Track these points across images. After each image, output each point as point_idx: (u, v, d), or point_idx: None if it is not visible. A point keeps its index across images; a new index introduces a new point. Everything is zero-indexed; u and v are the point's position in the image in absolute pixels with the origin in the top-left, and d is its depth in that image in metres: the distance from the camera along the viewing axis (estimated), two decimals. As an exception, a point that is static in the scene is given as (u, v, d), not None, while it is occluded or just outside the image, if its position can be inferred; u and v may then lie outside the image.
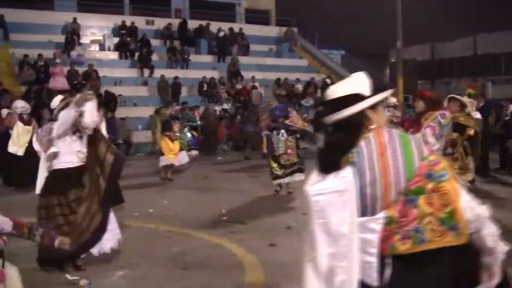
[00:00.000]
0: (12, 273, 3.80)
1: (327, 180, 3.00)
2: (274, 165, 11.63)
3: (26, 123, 13.03)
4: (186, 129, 16.69)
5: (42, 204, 6.38)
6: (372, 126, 2.99)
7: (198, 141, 17.82)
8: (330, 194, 2.98)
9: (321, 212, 2.99)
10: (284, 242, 7.69)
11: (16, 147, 12.66)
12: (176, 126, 14.66)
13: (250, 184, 12.33)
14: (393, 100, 14.58)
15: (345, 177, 2.96)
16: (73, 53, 26.45)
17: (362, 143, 2.93)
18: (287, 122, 11.80)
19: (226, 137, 23.25)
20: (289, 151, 11.63)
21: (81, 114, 8.33)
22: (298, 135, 12.02)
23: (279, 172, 11.64)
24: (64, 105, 6.62)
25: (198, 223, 9.09)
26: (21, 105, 13.54)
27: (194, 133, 16.70)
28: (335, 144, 3.07)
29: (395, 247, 2.97)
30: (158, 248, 7.53)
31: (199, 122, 17.72)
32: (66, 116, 6.55)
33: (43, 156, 6.68)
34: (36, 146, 6.80)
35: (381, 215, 2.94)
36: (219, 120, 23.37)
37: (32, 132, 12.67)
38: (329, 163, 3.01)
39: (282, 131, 11.65)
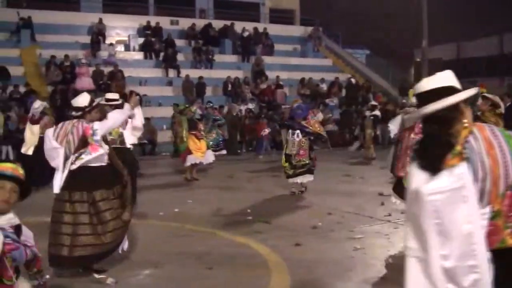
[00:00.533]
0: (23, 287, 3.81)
1: (442, 178, 2.99)
2: (286, 164, 11.68)
3: (35, 122, 13.13)
4: (215, 129, 16.70)
5: (61, 207, 6.20)
6: (465, 121, 3.02)
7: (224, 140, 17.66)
8: (448, 193, 2.97)
9: (437, 212, 2.97)
10: (309, 242, 7.67)
11: (25, 147, 12.85)
12: (201, 125, 14.66)
13: (275, 184, 12.31)
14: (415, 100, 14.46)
15: (461, 174, 2.97)
16: (104, 53, 26.70)
17: (471, 138, 2.96)
18: (303, 123, 11.75)
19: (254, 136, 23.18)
20: (301, 152, 11.64)
21: (131, 117, 8.53)
22: (311, 137, 11.95)
23: (290, 172, 11.69)
24: (95, 106, 6.59)
25: (223, 222, 9.10)
26: (36, 106, 13.63)
27: (221, 132, 16.61)
28: (436, 139, 3.06)
29: (505, 240, 3.08)
30: (183, 247, 7.54)
31: (223, 120, 17.57)
32: (119, 117, 6.68)
33: (62, 154, 6.31)
34: (54, 143, 6.36)
35: (486, 209, 3.00)
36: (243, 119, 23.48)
37: (44, 129, 12.84)
38: (435, 159, 3.02)
39: (298, 131, 11.64)
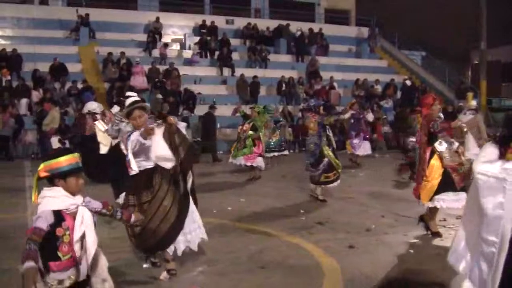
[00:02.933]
0: (102, 256, 4.44)
1: (493, 165, 3.72)
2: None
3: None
4: (278, 130, 16.71)
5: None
6: None
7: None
8: (491, 178, 3.72)
9: (478, 190, 3.74)
10: (363, 244, 7.59)
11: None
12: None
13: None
14: (474, 103, 14.19)
15: (509, 169, 3.66)
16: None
17: None
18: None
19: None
20: None
21: None
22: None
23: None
24: None
25: (275, 222, 9.08)
26: (92, 107, 13.79)
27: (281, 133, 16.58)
28: None
29: None
30: (236, 245, 7.56)
31: (281, 120, 17.43)
32: None
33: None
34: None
35: None
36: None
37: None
38: (503, 140, 3.85)
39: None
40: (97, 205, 4.35)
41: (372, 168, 16.91)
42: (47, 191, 4.03)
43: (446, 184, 7.70)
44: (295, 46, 30.61)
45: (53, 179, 4.07)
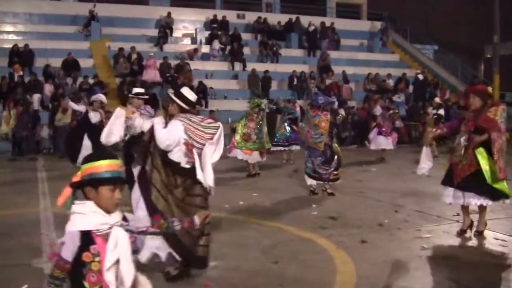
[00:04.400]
0: (144, 280, 3.59)
1: None
2: None
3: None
4: (286, 123, 16.60)
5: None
6: None
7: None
8: None
9: None
10: (375, 240, 7.57)
11: None
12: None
13: (341, 180, 12.16)
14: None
15: None
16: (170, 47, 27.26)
17: None
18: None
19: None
20: None
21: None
22: None
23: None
24: None
25: (287, 216, 9.07)
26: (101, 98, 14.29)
27: (294, 127, 16.35)
28: None
29: None
30: (249, 240, 7.55)
31: (298, 113, 17.21)
32: None
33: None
34: None
35: None
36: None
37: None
38: None
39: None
40: (142, 224, 3.57)
41: (383, 163, 16.85)
42: (77, 206, 3.21)
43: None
44: (307, 41, 30.54)
45: (84, 188, 3.24)
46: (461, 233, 7.81)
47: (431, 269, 6.40)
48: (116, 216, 3.28)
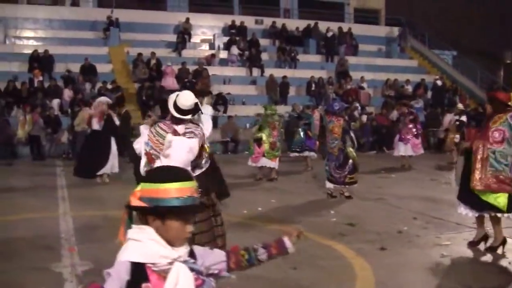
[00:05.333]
0: None
1: None
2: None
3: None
4: (300, 128, 16.54)
5: None
6: None
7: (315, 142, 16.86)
8: None
9: None
10: (394, 246, 7.52)
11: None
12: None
13: (360, 186, 12.13)
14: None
15: None
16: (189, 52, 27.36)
17: None
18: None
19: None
20: None
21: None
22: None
23: None
24: None
25: (306, 222, 9.03)
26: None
27: (309, 133, 16.30)
28: None
29: None
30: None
31: (316, 119, 17.06)
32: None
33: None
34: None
35: None
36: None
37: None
38: None
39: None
40: (216, 260, 2.69)
41: (402, 169, 16.76)
42: (134, 231, 2.43)
43: None
44: (325, 46, 30.51)
45: (145, 212, 2.44)
46: (471, 244, 7.52)
47: (450, 277, 6.35)
48: (181, 250, 2.46)
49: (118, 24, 27.44)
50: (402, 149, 17.12)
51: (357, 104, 24.80)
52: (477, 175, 7.05)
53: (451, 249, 7.45)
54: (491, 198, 7.03)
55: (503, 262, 6.87)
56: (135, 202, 2.45)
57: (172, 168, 2.61)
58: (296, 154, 16.56)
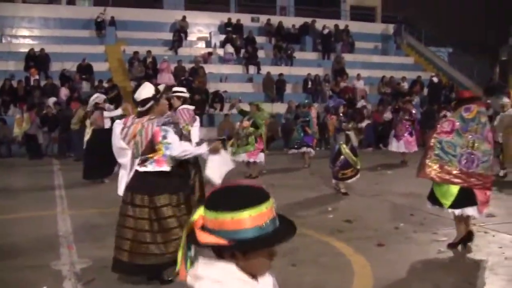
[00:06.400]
0: None
1: None
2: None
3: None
4: (298, 126, 16.54)
5: (124, 209, 5.77)
6: None
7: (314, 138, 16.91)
8: None
9: None
10: (392, 243, 7.57)
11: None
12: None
13: (356, 183, 12.15)
14: (506, 100, 14.02)
15: None
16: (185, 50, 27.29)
17: None
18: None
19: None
20: None
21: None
22: None
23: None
24: (163, 92, 6.06)
25: (305, 220, 9.04)
26: (92, 98, 14.01)
27: (307, 130, 16.30)
28: None
29: None
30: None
31: (313, 118, 17.04)
32: (188, 150, 5.88)
33: (129, 155, 5.80)
34: (122, 143, 5.81)
35: None
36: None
37: (95, 123, 13.23)
38: None
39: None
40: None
41: (400, 166, 16.78)
42: (212, 270, 1.97)
43: None
44: (321, 44, 30.55)
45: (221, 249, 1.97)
46: (450, 246, 7.34)
47: (448, 272, 6.39)
48: (266, 282, 2.07)
49: (114, 23, 27.42)
50: (395, 146, 17.15)
51: (365, 103, 24.78)
52: (420, 164, 7.26)
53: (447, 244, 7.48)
54: (439, 193, 7.15)
55: (500, 258, 6.90)
56: (204, 237, 1.95)
57: (242, 189, 2.03)
58: (295, 151, 16.53)
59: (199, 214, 2.02)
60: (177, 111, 8.64)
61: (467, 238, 7.27)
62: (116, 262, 5.71)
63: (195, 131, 8.86)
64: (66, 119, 18.97)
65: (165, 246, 5.60)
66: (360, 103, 24.34)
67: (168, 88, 6.73)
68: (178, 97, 8.83)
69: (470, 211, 7.05)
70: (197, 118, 9.11)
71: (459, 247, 7.28)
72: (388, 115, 19.83)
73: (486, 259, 6.87)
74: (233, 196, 1.98)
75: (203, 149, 5.81)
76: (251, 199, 1.95)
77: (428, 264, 6.65)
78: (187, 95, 9.06)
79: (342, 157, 11.31)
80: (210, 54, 27.79)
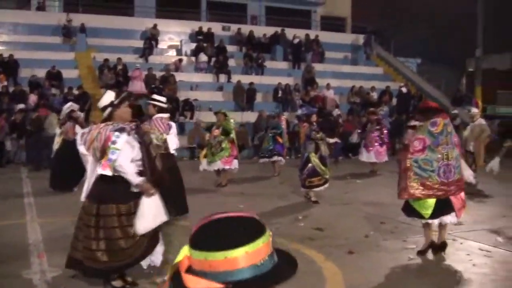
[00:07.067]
0: None
1: None
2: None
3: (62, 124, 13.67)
4: (270, 135, 16.59)
5: (80, 213, 5.88)
6: None
7: (284, 147, 17.02)
8: None
9: None
10: (362, 250, 7.65)
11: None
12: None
13: (327, 191, 12.23)
14: (475, 110, 14.26)
15: None
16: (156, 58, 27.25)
17: None
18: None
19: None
20: None
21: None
22: None
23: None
24: (123, 98, 6.03)
25: (275, 228, 9.07)
26: (65, 107, 13.93)
27: (279, 139, 16.37)
28: None
29: None
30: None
31: (283, 128, 17.12)
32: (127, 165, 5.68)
33: (90, 161, 5.85)
34: (82, 149, 5.86)
35: None
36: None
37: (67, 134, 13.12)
38: None
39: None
40: None
41: (369, 175, 16.93)
42: None
43: None
44: (292, 53, 30.72)
45: None
46: (419, 253, 7.51)
47: (419, 279, 6.49)
48: None
49: (85, 29, 27.25)
50: (365, 156, 17.32)
51: (339, 112, 24.91)
52: (401, 185, 7.30)
53: (417, 251, 7.59)
54: (416, 205, 7.28)
55: (468, 264, 7.02)
56: (193, 282, 1.69)
57: (235, 222, 1.76)
58: (266, 159, 16.59)
59: (184, 254, 1.76)
60: (152, 120, 8.71)
61: (440, 247, 7.44)
62: (71, 259, 5.81)
63: (172, 138, 8.93)
64: (34, 126, 18.78)
65: (108, 254, 5.59)
66: (335, 112, 24.44)
67: (130, 95, 6.70)
68: (154, 105, 8.90)
69: (449, 218, 7.26)
70: (173, 125, 9.19)
71: (429, 255, 7.42)
72: (354, 137, 19.93)
73: (455, 266, 6.99)
74: (224, 231, 1.71)
75: (138, 180, 5.64)
76: (246, 234, 1.70)
77: (399, 271, 6.75)
78: (163, 105, 9.12)
79: (310, 165, 11.40)
80: (181, 60, 27.79)
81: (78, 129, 13.03)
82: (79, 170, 6.01)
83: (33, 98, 22.09)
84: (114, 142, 5.56)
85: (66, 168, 12.17)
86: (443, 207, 7.17)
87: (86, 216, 5.70)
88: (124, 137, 5.62)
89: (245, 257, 1.67)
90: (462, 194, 7.35)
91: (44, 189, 13.03)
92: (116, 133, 5.60)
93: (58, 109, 19.64)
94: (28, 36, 26.79)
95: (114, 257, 5.59)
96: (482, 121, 13.97)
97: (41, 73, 23.66)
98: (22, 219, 9.87)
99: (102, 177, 5.73)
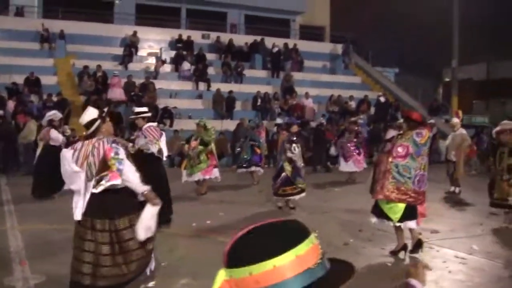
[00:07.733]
0: None
1: None
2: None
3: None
4: (249, 145, 16.66)
5: (82, 233, 5.72)
6: None
7: (262, 158, 17.09)
8: None
9: None
10: (342, 258, 7.71)
11: None
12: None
13: (304, 199, 12.35)
14: (456, 120, 14.52)
15: None
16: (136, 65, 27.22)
17: None
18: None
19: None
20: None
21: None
22: None
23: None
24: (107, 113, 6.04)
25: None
26: (48, 114, 13.94)
27: (257, 150, 16.45)
28: None
29: None
30: (217, 259, 7.60)
31: (262, 140, 17.20)
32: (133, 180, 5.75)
33: (83, 178, 5.66)
34: (74, 167, 5.68)
35: None
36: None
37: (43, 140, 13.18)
38: None
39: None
40: None
41: (348, 183, 17.08)
42: None
43: None
44: (271, 62, 30.87)
45: None
46: (392, 253, 8.05)
47: (397, 286, 6.62)
48: None
49: (64, 36, 27.18)
50: (344, 165, 17.51)
51: (323, 121, 24.92)
52: (378, 186, 7.73)
53: (395, 258, 7.74)
54: (386, 208, 7.71)
55: (444, 272, 7.18)
56: None
57: (275, 226, 1.57)
58: (244, 170, 16.66)
59: (220, 280, 1.56)
60: (143, 130, 8.89)
61: (416, 245, 7.89)
62: (76, 285, 5.67)
63: (163, 146, 9.21)
64: (11, 132, 18.73)
65: (126, 266, 5.66)
66: (319, 120, 24.49)
67: (110, 102, 6.84)
68: (143, 118, 9.15)
69: (412, 224, 7.75)
70: (163, 133, 9.45)
71: (407, 258, 7.75)
72: (332, 150, 20.05)
73: (431, 273, 7.13)
74: (266, 237, 1.51)
75: (144, 188, 5.70)
76: (292, 235, 1.51)
77: (377, 278, 6.86)
78: (150, 114, 9.40)
79: (283, 174, 11.59)
80: (163, 62, 27.86)
81: (53, 132, 13.15)
82: (61, 178, 5.97)
83: (11, 105, 21.96)
84: (116, 153, 5.61)
85: (48, 175, 12.15)
86: (410, 213, 7.64)
87: (93, 232, 5.62)
88: (121, 148, 5.72)
89: (296, 263, 1.45)
90: (425, 205, 7.88)
91: (24, 196, 13.00)
92: (114, 144, 5.67)
93: (36, 116, 19.64)
94: (6, 42, 26.56)
95: (135, 267, 5.72)
96: (463, 131, 14.26)
97: (19, 79, 23.52)
98: (3, 226, 9.86)
99: (108, 190, 5.64)
